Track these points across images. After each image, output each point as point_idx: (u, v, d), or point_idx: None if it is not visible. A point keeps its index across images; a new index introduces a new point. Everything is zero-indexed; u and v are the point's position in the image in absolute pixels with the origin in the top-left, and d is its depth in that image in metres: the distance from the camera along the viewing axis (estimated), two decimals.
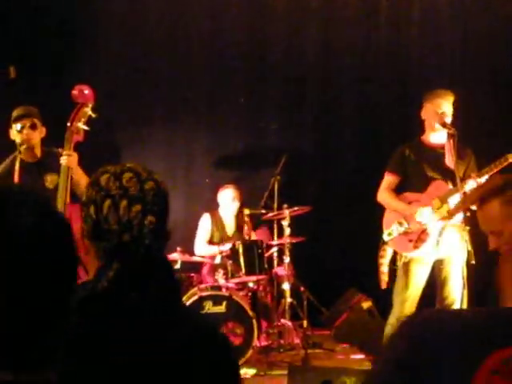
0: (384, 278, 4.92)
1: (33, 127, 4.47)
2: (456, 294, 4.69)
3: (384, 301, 5.03)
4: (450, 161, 4.69)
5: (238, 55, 7.09)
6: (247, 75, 7.13)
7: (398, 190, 4.96)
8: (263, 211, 6.36)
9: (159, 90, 7.03)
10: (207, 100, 7.10)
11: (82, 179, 4.39)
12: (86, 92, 4.24)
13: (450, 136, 4.65)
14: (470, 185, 4.53)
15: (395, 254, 4.88)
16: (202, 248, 6.30)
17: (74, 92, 4.23)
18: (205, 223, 6.39)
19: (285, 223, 6.00)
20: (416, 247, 4.70)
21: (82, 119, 4.22)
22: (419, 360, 1.37)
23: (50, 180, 4.52)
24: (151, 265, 1.63)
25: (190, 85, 7.05)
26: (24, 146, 4.38)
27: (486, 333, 1.43)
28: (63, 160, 4.15)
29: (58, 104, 4.29)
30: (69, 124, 4.20)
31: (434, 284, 4.85)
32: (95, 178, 1.74)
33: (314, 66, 7.15)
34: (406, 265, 4.75)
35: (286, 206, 6.05)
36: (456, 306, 4.67)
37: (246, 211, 6.31)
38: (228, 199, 6.35)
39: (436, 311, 2.14)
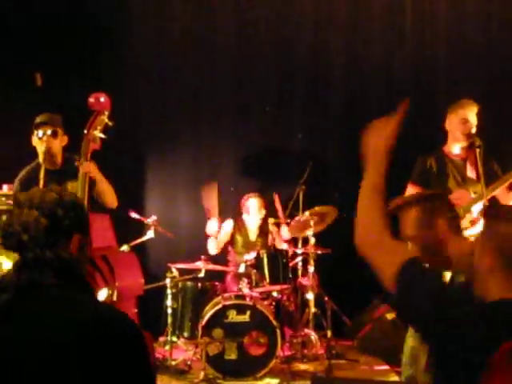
0: None
1: (54, 135, 4.47)
2: None
3: None
4: (472, 172, 4.65)
5: (263, 65, 7.11)
6: (273, 84, 7.14)
7: None
8: (288, 220, 6.35)
9: (184, 100, 7.06)
10: (232, 109, 7.11)
11: (104, 185, 4.40)
12: (103, 100, 4.23)
13: (474, 147, 4.61)
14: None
15: None
16: (212, 244, 6.26)
17: (91, 100, 4.22)
18: (226, 227, 6.39)
19: (309, 233, 5.99)
20: None
21: (99, 127, 4.22)
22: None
23: (70, 187, 4.54)
24: (46, 260, 1.88)
25: (215, 94, 7.07)
26: (45, 154, 4.37)
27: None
28: (81, 168, 4.16)
29: (83, 113, 4.29)
30: (85, 132, 4.21)
31: None
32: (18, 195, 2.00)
33: (340, 76, 7.13)
34: None
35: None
36: None
37: (271, 220, 6.31)
38: (254, 208, 6.35)
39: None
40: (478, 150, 4.57)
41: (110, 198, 4.51)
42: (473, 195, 4.67)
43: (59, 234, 1.93)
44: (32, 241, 1.88)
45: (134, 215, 5.61)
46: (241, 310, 5.31)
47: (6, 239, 1.91)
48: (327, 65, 7.14)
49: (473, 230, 4.60)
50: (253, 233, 6.40)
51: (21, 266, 1.88)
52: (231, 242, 6.39)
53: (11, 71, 6.29)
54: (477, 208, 4.57)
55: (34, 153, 4.51)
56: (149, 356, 1.90)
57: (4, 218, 2.00)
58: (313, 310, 5.92)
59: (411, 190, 4.93)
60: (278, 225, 6.41)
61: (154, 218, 5.68)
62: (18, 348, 1.76)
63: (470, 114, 4.73)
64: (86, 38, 6.57)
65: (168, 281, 5.56)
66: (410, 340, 4.60)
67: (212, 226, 6.27)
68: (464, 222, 4.62)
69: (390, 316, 6.03)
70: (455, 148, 4.84)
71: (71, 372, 1.72)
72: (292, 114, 7.18)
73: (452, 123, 4.81)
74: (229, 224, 6.42)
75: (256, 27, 7.09)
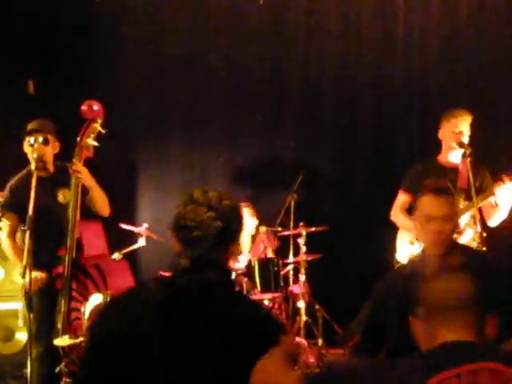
0: None
1: (45, 142, 4.46)
2: None
3: None
4: (464, 181, 4.67)
5: (254, 73, 7.11)
6: (264, 93, 7.15)
7: (411, 208, 4.94)
8: (279, 229, 6.36)
9: (176, 108, 7.07)
10: (224, 117, 7.12)
11: (96, 192, 4.39)
12: (96, 108, 4.23)
13: (465, 155, 4.64)
14: (507, 187, 4.46)
15: None
16: None
17: (84, 108, 4.22)
18: None
19: (301, 241, 6.00)
20: None
21: (92, 135, 4.22)
22: None
23: (62, 195, 4.53)
24: (211, 258, 2.05)
25: (207, 103, 7.08)
26: (36, 161, 4.34)
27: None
28: (72, 177, 4.15)
29: (75, 120, 4.29)
30: (78, 140, 4.20)
31: None
32: (190, 191, 2.14)
33: (331, 84, 7.15)
34: None
35: (302, 223, 6.06)
36: None
37: (262, 229, 6.32)
38: (246, 217, 6.36)
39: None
40: (468, 160, 4.60)
41: (103, 205, 4.50)
42: (461, 205, 4.69)
43: (228, 238, 2.10)
44: (203, 239, 2.03)
45: (125, 226, 5.59)
46: None
47: (178, 231, 2.06)
48: (319, 74, 7.15)
49: (460, 239, 4.63)
50: (245, 244, 6.41)
51: (191, 263, 2.03)
52: None
53: (3, 78, 6.28)
54: (464, 219, 4.60)
55: (25, 160, 4.50)
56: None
57: None
58: (304, 318, 5.91)
59: (402, 198, 4.96)
60: (269, 233, 6.43)
61: (145, 225, 5.67)
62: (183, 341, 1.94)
63: (463, 123, 4.76)
64: (79, 46, 6.57)
65: None
66: None
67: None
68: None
69: None
70: (448, 157, 4.86)
71: (223, 365, 1.92)
72: (284, 123, 7.19)
73: (445, 132, 4.84)
74: None
75: (248, 37, 7.10)
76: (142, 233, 5.56)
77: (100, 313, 2.23)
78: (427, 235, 3.05)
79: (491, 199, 4.58)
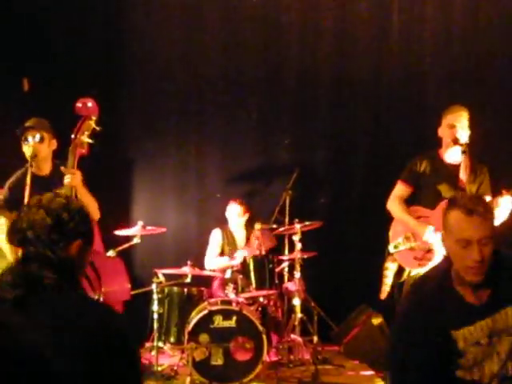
0: (385, 289, 4.89)
1: (41, 140, 4.46)
2: None
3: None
4: (463, 179, 4.67)
5: (250, 71, 7.12)
6: (259, 91, 7.16)
7: (410, 201, 4.94)
8: (274, 226, 6.36)
9: (171, 106, 7.07)
10: (219, 115, 7.12)
11: (85, 198, 4.39)
12: (90, 105, 4.22)
13: (463, 153, 4.64)
14: (505, 201, 4.47)
15: (400, 266, 4.85)
16: (213, 262, 6.32)
17: (78, 105, 4.21)
18: (215, 238, 6.42)
19: (296, 238, 5.99)
20: (421, 265, 4.67)
21: (86, 132, 4.20)
22: None
23: None
24: (45, 256, 2.04)
25: (202, 100, 7.08)
26: (32, 159, 4.34)
27: None
28: (67, 179, 4.15)
29: (71, 117, 4.28)
30: (72, 137, 4.20)
31: None
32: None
33: (326, 82, 7.16)
34: (412, 279, 4.73)
35: (297, 220, 6.06)
36: None
37: (257, 226, 6.31)
38: (234, 214, 6.39)
39: None
40: (463, 156, 4.60)
41: (91, 209, 4.50)
42: None
43: (62, 235, 2.06)
44: (36, 238, 2.03)
45: (119, 233, 5.58)
46: (227, 315, 5.30)
47: (13, 235, 2.07)
48: (314, 71, 7.16)
49: None
50: (240, 242, 6.42)
51: (24, 261, 2.03)
52: (221, 249, 6.42)
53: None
54: None
55: (23, 158, 4.50)
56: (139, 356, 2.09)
57: None
58: (299, 315, 5.92)
59: (400, 188, 4.95)
60: (266, 231, 6.43)
61: (140, 223, 5.66)
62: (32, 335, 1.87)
63: (459, 119, 4.75)
64: (74, 43, 6.56)
65: (154, 286, 5.54)
66: None
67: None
68: None
69: (376, 321, 6.06)
70: (447, 153, 4.86)
71: (76, 365, 1.84)
72: (279, 120, 7.20)
73: (443, 129, 4.84)
74: (217, 234, 6.43)
75: (244, 36, 7.10)
76: (137, 232, 5.55)
77: None
78: (463, 262, 2.52)
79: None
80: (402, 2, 6.94)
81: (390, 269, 4.86)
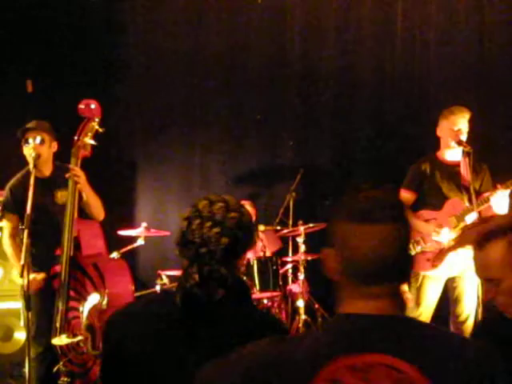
0: None
1: (42, 142, 4.47)
2: (470, 312, 4.66)
3: None
4: (465, 178, 4.67)
5: (254, 73, 7.11)
6: (264, 91, 7.14)
7: (414, 207, 4.94)
8: (278, 228, 6.35)
9: (175, 108, 7.06)
10: (223, 117, 7.11)
11: (90, 198, 4.40)
12: (93, 106, 4.21)
13: (465, 153, 4.64)
14: (499, 195, 4.49)
15: None
16: None
17: (81, 106, 4.21)
18: None
19: (300, 240, 5.99)
20: (434, 266, 4.68)
21: (89, 134, 4.21)
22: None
23: (59, 196, 4.53)
24: (221, 275, 2.01)
25: (207, 102, 7.07)
26: (34, 161, 4.34)
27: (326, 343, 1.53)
28: (70, 179, 4.15)
29: (74, 120, 4.28)
30: (75, 139, 4.20)
31: (448, 301, 4.82)
32: (196, 202, 2.20)
33: (331, 83, 7.14)
34: (420, 282, 4.73)
35: (301, 222, 6.05)
36: (470, 323, 4.64)
37: (261, 228, 6.31)
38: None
39: None
40: (467, 158, 4.60)
41: (97, 210, 4.51)
42: (466, 203, 4.69)
43: (235, 253, 2.07)
44: (210, 255, 2.01)
45: (123, 233, 5.58)
46: None
47: (184, 247, 2.06)
48: (319, 73, 7.14)
49: None
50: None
51: (200, 279, 2.00)
52: None
53: (2, 78, 6.28)
54: (470, 217, 4.59)
55: (25, 159, 4.50)
56: None
57: None
58: (303, 317, 5.90)
59: (404, 196, 4.94)
60: (271, 232, 6.42)
61: (144, 224, 5.66)
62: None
63: (461, 120, 4.75)
64: (77, 44, 6.56)
65: (158, 288, 5.54)
66: None
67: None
68: (458, 231, 4.64)
69: None
70: (447, 154, 4.86)
71: None
72: (283, 122, 7.18)
73: (443, 129, 4.83)
74: None
75: (248, 37, 7.09)
76: (141, 233, 5.55)
77: (115, 324, 2.15)
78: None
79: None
80: (406, 3, 6.92)
81: None
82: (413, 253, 4.78)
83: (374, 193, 1.63)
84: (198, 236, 2.02)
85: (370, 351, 1.48)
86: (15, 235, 4.59)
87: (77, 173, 4.16)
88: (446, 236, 4.66)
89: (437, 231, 4.67)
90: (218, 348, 1.73)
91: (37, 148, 4.43)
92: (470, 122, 4.79)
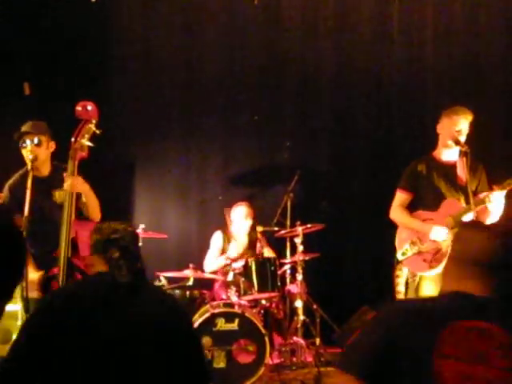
0: (400, 298, 4.87)
1: (38, 144, 4.49)
2: None
3: None
4: (462, 178, 4.68)
5: (251, 74, 7.12)
6: (261, 93, 7.15)
7: (410, 207, 4.94)
8: (276, 228, 6.36)
9: (173, 109, 7.07)
10: (221, 117, 7.12)
11: (90, 200, 4.40)
12: (90, 108, 4.22)
13: (462, 153, 4.65)
14: (496, 196, 4.50)
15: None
16: (212, 263, 6.28)
17: (78, 108, 4.21)
18: (217, 240, 6.39)
19: (298, 240, 6.00)
20: (432, 267, 4.68)
21: (86, 135, 4.20)
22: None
23: (58, 195, 4.54)
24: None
25: (204, 102, 7.08)
26: (31, 162, 4.34)
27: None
28: (66, 184, 4.15)
29: (69, 121, 4.28)
30: (73, 140, 4.20)
31: None
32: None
33: (327, 84, 7.16)
34: (417, 283, 4.73)
35: (298, 223, 6.06)
36: None
37: (259, 228, 6.32)
38: (241, 216, 6.35)
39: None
40: (465, 158, 4.61)
41: (94, 210, 4.52)
42: (463, 203, 4.70)
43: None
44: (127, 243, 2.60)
45: None
46: (229, 318, 5.29)
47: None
48: (315, 73, 7.16)
49: None
50: (242, 245, 6.39)
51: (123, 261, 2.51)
52: (221, 252, 6.39)
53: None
54: (467, 217, 4.59)
55: (22, 160, 4.51)
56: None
57: None
58: (301, 317, 5.91)
59: (401, 196, 4.95)
60: (265, 233, 6.43)
61: (142, 226, 5.67)
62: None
63: (463, 121, 4.75)
64: (74, 47, 6.56)
65: None
66: None
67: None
68: (455, 231, 4.64)
69: None
70: (444, 153, 4.86)
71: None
72: (280, 122, 7.19)
73: (444, 128, 4.83)
74: (218, 237, 6.40)
75: (245, 38, 7.11)
76: (139, 234, 5.55)
77: (46, 303, 2.52)
78: None
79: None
80: (403, 2, 6.94)
81: (402, 276, 4.85)
82: (409, 254, 4.79)
83: None
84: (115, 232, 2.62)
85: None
86: None
87: (70, 177, 4.15)
88: (444, 235, 4.66)
89: (435, 230, 4.67)
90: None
91: (34, 149, 4.44)
92: (471, 124, 4.80)
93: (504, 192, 4.54)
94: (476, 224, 2.13)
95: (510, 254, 2.03)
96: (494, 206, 4.54)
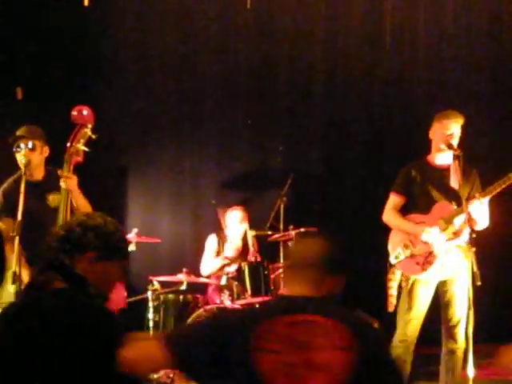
0: (392, 301, 4.87)
1: (32, 148, 4.49)
2: (460, 315, 4.67)
3: (389, 323, 5.00)
4: (455, 182, 4.69)
5: (244, 77, 7.13)
6: (254, 97, 7.16)
7: (403, 211, 4.95)
8: (269, 232, 6.35)
9: (166, 112, 7.07)
10: (214, 121, 7.12)
11: (80, 202, 4.40)
12: (85, 113, 4.23)
13: (455, 157, 4.66)
14: (475, 205, 4.53)
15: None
16: (208, 265, 6.26)
17: (73, 113, 4.22)
18: (211, 243, 6.38)
19: (291, 244, 5.99)
20: (424, 270, 4.69)
21: (82, 140, 4.22)
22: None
23: (51, 199, 4.54)
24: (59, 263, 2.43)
25: (197, 106, 7.08)
26: (26, 167, 4.36)
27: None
28: (62, 183, 4.15)
29: (65, 125, 4.29)
30: (68, 145, 4.21)
31: (439, 305, 4.83)
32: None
33: (320, 87, 7.18)
34: (410, 286, 4.74)
35: (292, 227, 6.06)
36: (461, 327, 4.65)
37: (252, 232, 6.30)
38: (235, 221, 6.34)
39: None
40: (457, 161, 4.62)
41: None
42: (455, 207, 4.71)
43: (72, 246, 2.39)
44: (50, 246, 2.41)
45: None
46: None
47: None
48: (308, 78, 7.18)
49: (456, 240, 4.65)
50: (236, 246, 6.38)
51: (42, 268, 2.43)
52: (216, 254, 6.38)
53: None
54: (459, 220, 4.61)
55: (16, 165, 4.51)
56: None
57: None
58: None
59: (394, 200, 4.96)
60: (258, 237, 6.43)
61: (135, 230, 5.66)
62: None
63: (455, 124, 4.77)
64: (69, 51, 6.56)
65: (149, 294, 5.53)
66: (393, 350, 4.63)
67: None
68: (447, 234, 4.66)
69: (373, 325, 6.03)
70: (437, 158, 4.87)
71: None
72: (273, 126, 7.20)
73: (436, 132, 4.84)
74: (212, 240, 6.39)
75: (237, 42, 7.12)
76: (132, 239, 5.55)
77: None
78: None
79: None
80: (395, 4, 6.96)
81: (394, 280, 4.85)
82: (402, 257, 4.80)
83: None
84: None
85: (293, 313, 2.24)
86: (11, 239, 4.57)
87: (68, 175, 4.16)
88: (435, 237, 4.68)
89: (427, 231, 4.69)
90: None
91: (28, 154, 4.44)
92: (463, 127, 4.81)
93: (487, 198, 4.57)
94: (309, 233, 2.66)
95: (336, 256, 2.64)
96: (476, 213, 4.56)
